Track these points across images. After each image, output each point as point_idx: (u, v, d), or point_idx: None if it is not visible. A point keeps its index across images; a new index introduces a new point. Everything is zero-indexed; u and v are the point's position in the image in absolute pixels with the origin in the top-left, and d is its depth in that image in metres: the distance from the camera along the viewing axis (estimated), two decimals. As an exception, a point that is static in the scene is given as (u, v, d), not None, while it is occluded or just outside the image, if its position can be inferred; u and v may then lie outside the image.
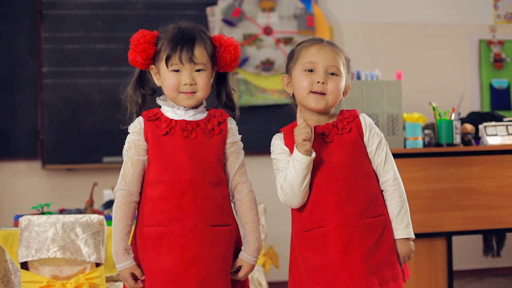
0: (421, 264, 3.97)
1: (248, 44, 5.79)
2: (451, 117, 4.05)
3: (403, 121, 4.03)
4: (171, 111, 2.37)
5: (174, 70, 2.32)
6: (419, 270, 3.97)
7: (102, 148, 5.53)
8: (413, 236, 2.38)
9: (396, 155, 3.87)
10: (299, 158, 2.28)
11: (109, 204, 4.37)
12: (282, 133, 2.43)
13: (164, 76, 2.34)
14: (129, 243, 2.34)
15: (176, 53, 2.30)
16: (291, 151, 2.35)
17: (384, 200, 2.37)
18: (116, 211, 2.31)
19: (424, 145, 4.07)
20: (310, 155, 2.28)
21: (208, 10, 5.80)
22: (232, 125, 2.40)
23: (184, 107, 2.36)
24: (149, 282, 2.29)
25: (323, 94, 2.34)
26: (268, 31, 5.84)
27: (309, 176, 2.30)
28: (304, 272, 2.33)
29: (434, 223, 3.94)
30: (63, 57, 5.63)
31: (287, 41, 5.82)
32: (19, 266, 3.44)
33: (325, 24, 5.88)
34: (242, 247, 2.38)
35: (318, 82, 2.33)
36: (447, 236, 4.01)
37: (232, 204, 2.41)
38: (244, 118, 5.58)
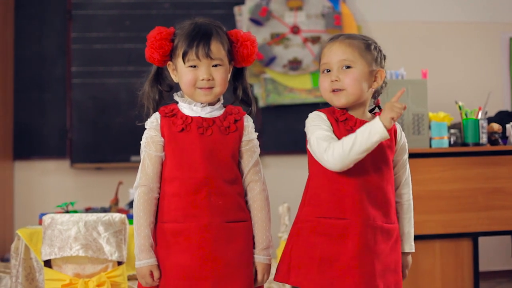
0: (447, 265, 3.93)
1: (276, 43, 5.78)
2: (477, 116, 4.00)
3: (429, 121, 3.98)
4: (187, 108, 2.37)
5: (191, 66, 2.32)
6: (445, 271, 3.92)
7: (130, 147, 5.56)
8: (414, 251, 2.45)
9: (421, 155, 3.89)
10: (380, 129, 2.17)
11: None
12: (324, 113, 2.37)
13: (181, 72, 2.34)
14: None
15: (192, 48, 2.30)
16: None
17: (396, 211, 2.39)
18: (138, 208, 2.31)
19: (450, 145, 4.02)
20: (387, 132, 2.18)
21: (236, 9, 5.80)
22: (248, 123, 2.40)
23: (201, 104, 2.36)
24: (165, 278, 2.29)
25: (340, 90, 2.32)
26: (295, 30, 5.82)
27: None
28: (308, 258, 2.29)
29: (460, 224, 3.88)
30: (92, 57, 5.68)
31: (315, 40, 5.80)
32: (43, 264, 3.47)
33: (353, 22, 5.84)
34: (254, 250, 2.36)
35: (332, 81, 2.33)
36: (473, 237, 3.95)
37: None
38: (271, 117, 5.67)
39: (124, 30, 5.75)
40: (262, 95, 5.71)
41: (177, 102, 2.42)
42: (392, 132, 2.37)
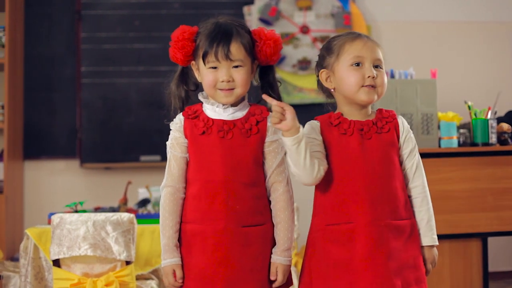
0: (456, 265, 3.92)
1: (285, 43, 5.77)
2: (487, 116, 3.98)
3: (438, 120, 3.97)
4: (210, 109, 2.37)
5: (212, 67, 2.31)
6: (454, 272, 3.91)
7: (139, 147, 5.56)
8: (437, 243, 2.39)
9: (430, 155, 3.88)
10: (285, 143, 2.22)
11: (143, 202, 4.40)
12: (319, 122, 2.38)
13: (203, 73, 2.34)
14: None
15: (212, 50, 2.29)
16: (325, 139, 2.33)
17: (411, 205, 2.37)
18: (165, 209, 2.34)
19: (459, 145, 4.00)
20: (296, 134, 2.20)
21: (245, 9, 5.80)
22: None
23: (223, 105, 2.35)
24: (186, 278, 2.32)
25: (374, 87, 2.33)
26: (305, 30, 5.81)
27: (304, 151, 2.22)
28: (324, 266, 2.30)
29: (469, 224, 3.87)
30: (101, 57, 5.69)
31: (324, 40, 5.76)
32: (51, 263, 3.48)
33: (363, 22, 5.83)
34: (273, 248, 2.36)
35: (369, 76, 2.32)
36: (483, 237, 3.94)
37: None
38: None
39: (133, 30, 5.76)
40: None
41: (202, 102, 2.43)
42: (393, 128, 2.37)
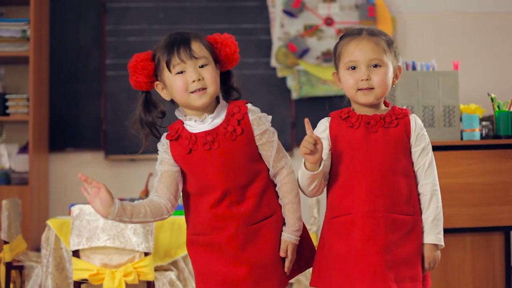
0: (478, 259, 3.88)
1: (309, 35, 5.75)
2: (510, 108, 3.93)
3: (460, 113, 3.93)
4: (190, 124, 2.33)
5: (179, 73, 2.27)
6: (476, 265, 3.87)
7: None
8: (443, 245, 2.36)
9: (452, 147, 3.84)
10: (303, 168, 2.30)
11: (165, 194, 4.41)
12: (330, 117, 2.42)
13: (171, 83, 2.29)
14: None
15: (174, 53, 2.26)
16: (331, 136, 2.35)
17: (420, 203, 2.36)
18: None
19: (482, 137, 3.96)
20: (316, 169, 2.27)
21: (269, 1, 5.79)
22: (253, 116, 2.32)
23: (200, 118, 2.31)
24: (206, 284, 2.35)
25: (370, 89, 2.33)
26: (329, 22, 5.78)
27: (316, 183, 2.32)
28: (329, 259, 2.32)
29: (491, 217, 3.82)
30: (126, 49, 5.72)
31: (349, 31, 5.75)
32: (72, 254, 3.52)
33: (387, 14, 5.78)
34: (283, 228, 2.35)
35: (362, 80, 2.32)
36: (506, 231, 3.90)
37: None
38: (304, 109, 5.63)
39: (158, 22, 5.78)
40: (296, 87, 5.69)
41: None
42: (403, 125, 2.35)
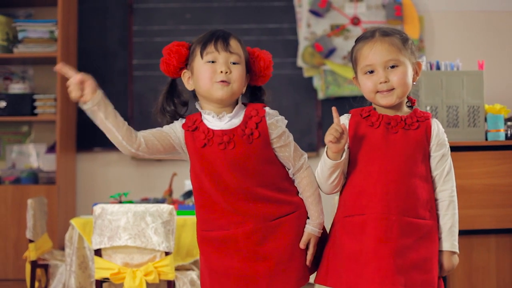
0: (502, 261, 3.83)
1: (336, 35, 5.73)
2: (535, 108, 3.89)
3: (485, 113, 3.89)
4: (208, 118, 2.33)
5: (210, 62, 2.28)
6: (501, 267, 3.83)
7: (189, 139, 5.60)
8: (458, 252, 2.36)
9: (476, 148, 3.80)
10: (325, 157, 2.29)
11: (189, 194, 4.43)
12: (350, 114, 2.41)
13: (199, 69, 2.30)
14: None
15: (211, 42, 2.29)
16: (350, 133, 2.34)
17: (437, 209, 2.34)
18: None
19: (507, 138, 3.91)
20: (338, 159, 2.26)
21: (296, 0, 5.78)
22: (271, 120, 2.32)
23: (218, 115, 2.31)
24: (221, 280, 2.33)
25: (390, 90, 2.31)
26: (355, 21, 5.76)
27: (336, 174, 2.30)
28: (339, 258, 2.30)
29: (516, 219, 3.79)
30: (153, 50, 5.75)
31: (375, 31, 5.72)
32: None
33: (415, 13, 5.74)
34: (307, 221, 2.35)
35: (381, 82, 2.31)
36: (531, 232, 3.86)
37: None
38: (331, 109, 5.59)
39: (184, 23, 5.81)
40: (322, 87, 5.68)
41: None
42: (424, 128, 2.34)
